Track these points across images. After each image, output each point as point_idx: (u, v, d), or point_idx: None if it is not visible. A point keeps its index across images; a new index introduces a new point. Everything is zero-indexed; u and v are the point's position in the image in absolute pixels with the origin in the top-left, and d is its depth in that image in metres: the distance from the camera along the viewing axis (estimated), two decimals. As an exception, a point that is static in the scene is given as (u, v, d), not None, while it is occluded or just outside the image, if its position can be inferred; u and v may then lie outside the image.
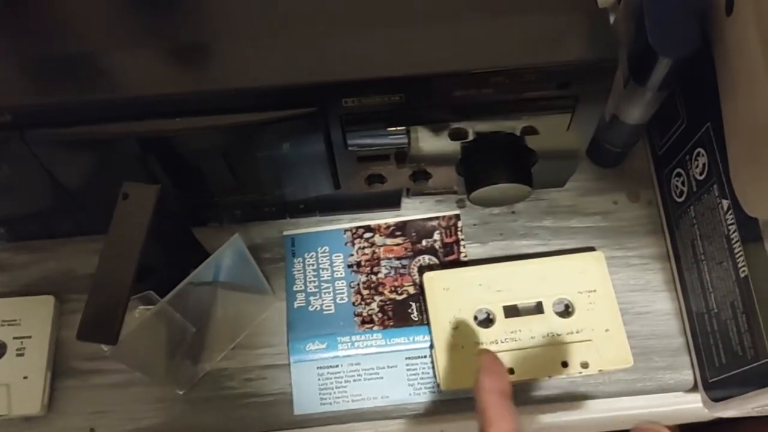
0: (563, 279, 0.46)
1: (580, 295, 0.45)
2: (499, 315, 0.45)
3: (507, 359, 0.43)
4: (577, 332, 0.44)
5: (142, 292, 0.38)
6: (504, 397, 0.35)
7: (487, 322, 0.45)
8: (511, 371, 0.43)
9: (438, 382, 0.44)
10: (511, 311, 0.45)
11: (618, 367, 0.44)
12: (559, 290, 0.45)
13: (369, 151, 0.39)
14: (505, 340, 0.44)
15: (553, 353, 0.44)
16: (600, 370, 0.43)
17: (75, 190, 0.40)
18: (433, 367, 0.44)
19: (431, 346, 0.45)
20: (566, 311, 0.45)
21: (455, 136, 0.39)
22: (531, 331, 0.44)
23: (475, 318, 0.45)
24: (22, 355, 0.45)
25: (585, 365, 0.43)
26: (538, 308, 0.45)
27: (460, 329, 0.44)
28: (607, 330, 0.44)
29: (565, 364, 0.43)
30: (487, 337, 0.44)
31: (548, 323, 0.45)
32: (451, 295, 0.45)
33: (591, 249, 0.48)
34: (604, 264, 0.46)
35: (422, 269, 0.47)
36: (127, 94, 0.34)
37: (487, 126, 0.38)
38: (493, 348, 0.44)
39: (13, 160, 0.37)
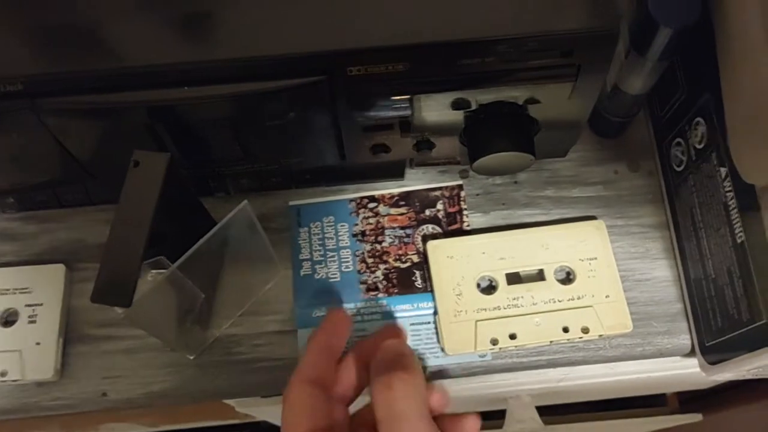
0: (565, 247, 0.46)
1: (581, 263, 0.46)
2: (501, 282, 0.46)
3: (509, 324, 0.44)
4: (578, 298, 0.45)
5: (153, 258, 0.38)
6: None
7: (490, 289, 0.46)
8: (513, 336, 0.44)
9: (442, 346, 0.45)
10: (514, 278, 0.46)
11: (618, 333, 0.45)
12: (560, 258, 0.46)
13: (374, 120, 0.40)
14: (507, 306, 0.45)
15: (555, 319, 0.45)
16: (600, 335, 0.44)
17: (84, 158, 0.41)
18: (437, 333, 0.45)
19: (435, 313, 0.46)
20: (567, 278, 0.46)
21: (459, 105, 0.39)
22: (533, 297, 0.45)
23: (478, 285, 0.46)
24: (34, 322, 0.45)
25: (585, 330, 0.44)
26: (539, 275, 0.46)
27: (463, 296, 0.45)
28: (607, 296, 0.45)
29: (566, 330, 0.44)
30: (489, 303, 0.45)
31: (550, 290, 0.45)
32: (455, 263, 0.46)
33: (592, 218, 0.48)
34: (605, 232, 0.47)
35: (426, 238, 0.48)
36: (136, 62, 0.35)
37: (490, 95, 0.39)
38: (495, 313, 0.45)
39: (23, 128, 0.38)
